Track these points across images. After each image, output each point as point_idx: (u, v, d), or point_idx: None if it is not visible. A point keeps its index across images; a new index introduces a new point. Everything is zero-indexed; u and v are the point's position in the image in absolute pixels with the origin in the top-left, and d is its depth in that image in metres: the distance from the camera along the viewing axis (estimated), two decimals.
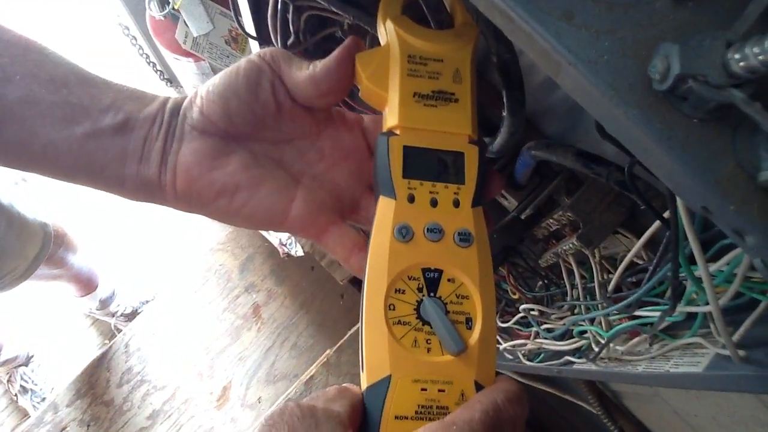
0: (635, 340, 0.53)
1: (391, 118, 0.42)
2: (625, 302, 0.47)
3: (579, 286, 0.62)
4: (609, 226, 0.52)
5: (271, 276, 1.47)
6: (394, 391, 0.36)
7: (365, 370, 0.37)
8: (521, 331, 0.80)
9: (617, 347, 0.56)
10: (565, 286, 0.65)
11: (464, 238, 0.40)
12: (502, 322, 0.87)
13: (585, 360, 0.62)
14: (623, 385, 1.01)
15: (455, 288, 0.39)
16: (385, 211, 0.40)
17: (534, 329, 0.74)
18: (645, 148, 0.27)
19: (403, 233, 0.39)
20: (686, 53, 0.24)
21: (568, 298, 0.63)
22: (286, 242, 1.20)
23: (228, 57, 1.20)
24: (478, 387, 0.36)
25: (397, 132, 0.41)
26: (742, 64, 0.23)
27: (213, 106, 0.42)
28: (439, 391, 0.36)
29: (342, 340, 1.22)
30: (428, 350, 0.37)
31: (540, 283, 0.73)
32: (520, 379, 1.16)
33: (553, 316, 0.68)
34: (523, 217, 0.59)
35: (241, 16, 0.59)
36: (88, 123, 0.41)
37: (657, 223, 0.46)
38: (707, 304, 0.40)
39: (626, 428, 1.06)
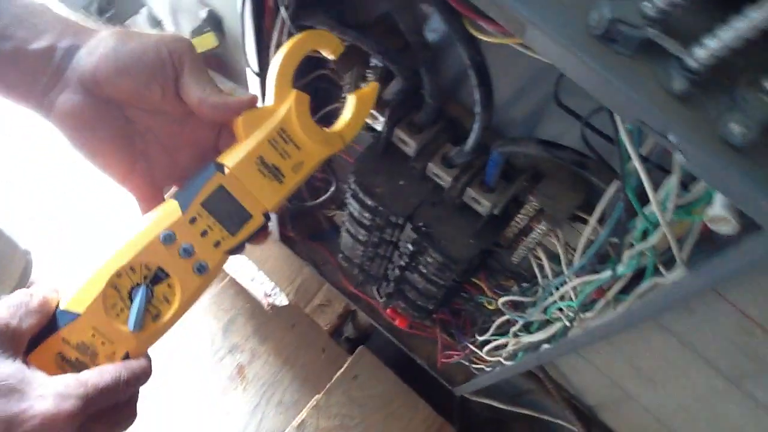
0: (601, 303, 0.62)
1: (230, 159, 0.51)
2: (587, 256, 0.57)
3: (549, 274, 0.71)
4: (570, 207, 0.62)
5: (254, 335, 1.52)
6: (76, 323, 0.47)
7: (73, 297, 0.48)
8: (498, 339, 0.88)
9: (587, 314, 0.65)
10: (537, 279, 0.74)
11: (201, 268, 0.51)
12: (480, 334, 0.95)
13: (563, 339, 0.71)
14: (597, 397, 1.08)
15: (166, 292, 0.51)
16: (170, 214, 0.50)
17: (513, 329, 0.83)
18: (593, 83, 0.37)
19: (167, 239, 0.50)
20: (613, 5, 0.35)
21: (540, 281, 0.72)
22: (271, 292, 1.27)
23: None
24: (126, 357, 0.49)
25: (225, 172, 0.51)
26: (652, 8, 0.34)
27: (108, 75, 0.47)
28: (102, 343, 0.48)
29: (330, 384, 1.26)
30: (117, 315, 0.49)
31: (514, 286, 0.83)
32: (502, 406, 1.22)
33: (528, 309, 0.77)
34: (496, 212, 0.69)
35: (246, 53, 0.69)
36: None
37: (608, 197, 0.57)
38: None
39: None
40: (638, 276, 0.58)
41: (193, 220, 0.50)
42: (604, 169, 0.56)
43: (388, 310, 1.12)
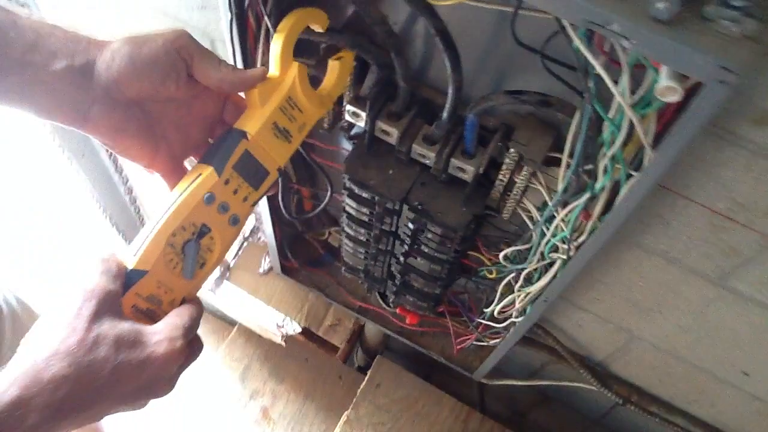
0: (590, 224, 0.71)
1: (252, 126, 0.61)
2: (566, 179, 0.66)
3: (539, 219, 0.79)
4: (543, 146, 0.71)
5: (271, 377, 1.56)
6: (145, 279, 0.57)
7: (138, 258, 0.57)
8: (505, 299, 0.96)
9: (581, 239, 0.73)
10: (529, 228, 0.82)
11: (235, 220, 0.63)
12: (488, 308, 1.02)
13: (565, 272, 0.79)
14: (605, 349, 1.15)
15: (210, 243, 0.62)
16: (208, 179, 0.59)
17: (517, 285, 0.90)
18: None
19: (208, 200, 0.60)
20: None
21: (532, 229, 0.80)
22: (283, 323, 1.33)
23: None
24: (182, 302, 0.60)
25: (249, 138, 0.61)
26: None
27: (130, 82, 0.55)
28: (164, 292, 0.59)
29: (355, 398, 1.31)
30: (174, 268, 0.59)
31: (509, 249, 0.90)
32: (521, 383, 1.28)
33: (527, 257, 0.85)
34: (481, 170, 0.77)
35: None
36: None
37: (574, 128, 0.66)
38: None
39: (621, 391, 1.19)
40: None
41: (227, 182, 0.61)
42: (565, 104, 0.66)
43: (397, 309, 1.18)
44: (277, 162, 0.64)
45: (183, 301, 0.61)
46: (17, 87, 0.52)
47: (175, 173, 0.62)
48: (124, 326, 0.52)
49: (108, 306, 0.52)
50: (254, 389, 1.55)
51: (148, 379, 0.52)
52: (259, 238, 1.38)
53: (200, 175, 0.60)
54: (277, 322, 1.33)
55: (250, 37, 0.71)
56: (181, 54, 0.57)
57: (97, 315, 0.51)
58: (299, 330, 1.33)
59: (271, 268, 1.34)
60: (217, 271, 1.37)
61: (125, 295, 0.56)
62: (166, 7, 0.96)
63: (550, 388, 1.43)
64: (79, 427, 0.50)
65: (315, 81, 0.69)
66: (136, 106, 0.58)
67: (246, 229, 1.37)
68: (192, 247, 0.60)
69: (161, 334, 0.53)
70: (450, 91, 0.69)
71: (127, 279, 0.56)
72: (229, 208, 0.62)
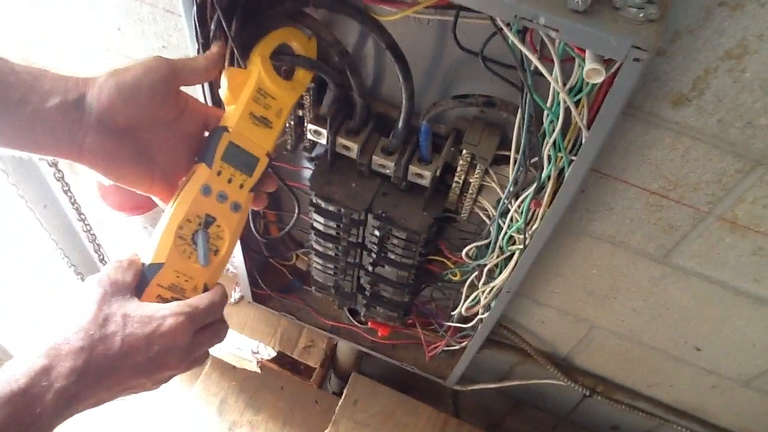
0: (541, 210, 0.77)
1: (230, 120, 0.69)
2: (516, 169, 0.73)
3: (494, 214, 0.86)
4: (492, 145, 0.78)
5: (248, 408, 1.57)
6: (163, 271, 0.64)
7: (153, 253, 0.65)
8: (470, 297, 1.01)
9: (534, 226, 0.79)
10: (486, 224, 0.89)
11: (236, 207, 0.69)
12: (454, 310, 1.07)
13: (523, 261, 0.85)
14: (568, 342, 1.22)
15: (218, 231, 0.69)
16: (201, 173, 0.66)
17: (481, 282, 0.96)
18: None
19: (205, 190, 0.67)
20: None
21: (489, 224, 0.86)
22: (257, 349, 1.35)
23: None
24: (205, 288, 0.67)
25: (230, 130, 0.68)
26: None
27: (120, 108, 0.60)
28: (185, 280, 0.66)
29: (334, 416, 1.34)
30: (189, 257, 0.66)
31: (470, 245, 0.96)
32: (491, 386, 1.33)
33: (487, 251, 0.91)
34: (437, 174, 0.83)
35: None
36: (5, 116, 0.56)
37: (517, 124, 0.72)
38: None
39: (586, 383, 1.25)
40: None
41: (219, 173, 0.67)
42: (508, 103, 0.73)
43: (369, 323, 1.22)
44: (264, 147, 0.71)
45: (206, 288, 0.67)
46: (17, 127, 0.57)
47: (171, 194, 0.67)
48: (131, 306, 0.60)
49: (117, 291, 0.60)
50: (232, 421, 1.55)
51: (158, 351, 0.58)
52: (228, 270, 1.41)
53: (194, 172, 0.67)
54: (251, 349, 1.35)
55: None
56: (160, 73, 0.62)
57: (105, 298, 0.59)
58: (274, 354, 1.35)
59: (242, 297, 1.37)
60: None
61: (148, 286, 0.63)
62: (131, 53, 1.01)
63: (520, 392, 1.48)
64: (108, 396, 0.58)
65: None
66: (127, 134, 0.62)
67: None
68: (201, 236, 0.66)
69: (167, 310, 0.60)
70: (403, 100, 0.75)
71: (147, 273, 0.64)
72: (228, 196, 0.68)
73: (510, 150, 0.76)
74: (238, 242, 1.12)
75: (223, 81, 0.69)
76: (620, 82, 0.54)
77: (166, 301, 0.64)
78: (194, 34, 0.71)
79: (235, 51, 0.69)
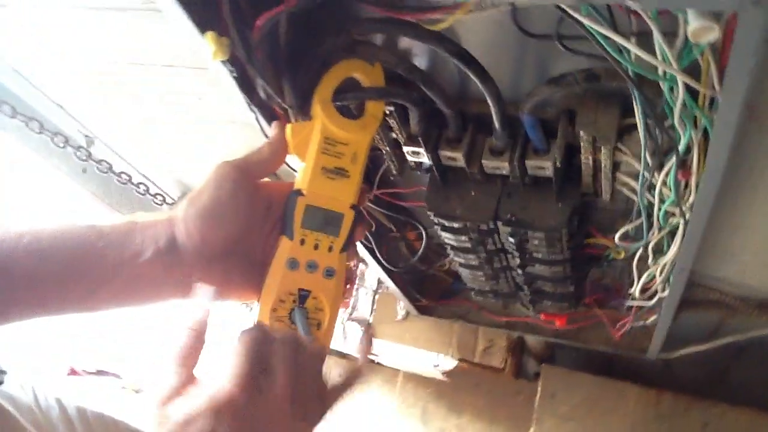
0: (693, 179, 0.63)
1: (302, 182, 0.63)
2: (649, 144, 0.59)
3: (639, 190, 0.72)
4: (612, 120, 0.65)
5: (450, 413, 1.54)
6: None
7: None
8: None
9: (690, 198, 0.65)
10: (634, 202, 0.75)
11: (329, 273, 0.64)
12: (630, 288, 0.94)
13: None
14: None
15: (316, 303, 0.63)
16: (284, 247, 0.62)
17: (649, 261, 0.83)
18: None
19: (291, 265, 0.61)
20: None
21: (637, 201, 0.73)
22: (437, 361, 1.31)
23: None
24: None
25: (304, 193, 0.62)
26: None
27: (210, 233, 0.58)
28: None
29: (534, 415, 1.26)
30: None
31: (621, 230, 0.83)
32: (704, 347, 1.16)
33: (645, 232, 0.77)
34: (559, 165, 0.71)
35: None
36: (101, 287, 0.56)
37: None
38: None
39: None
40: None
41: (302, 242, 0.62)
42: (613, 71, 0.59)
43: (542, 317, 1.12)
44: (346, 201, 0.64)
45: None
46: (119, 289, 0.57)
47: None
48: None
49: None
50: (439, 428, 1.54)
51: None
52: (387, 288, 1.38)
53: (277, 247, 0.62)
54: (432, 363, 1.31)
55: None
56: (230, 180, 0.59)
57: None
58: (455, 364, 1.30)
59: (407, 313, 1.33)
60: (359, 331, 1.39)
61: None
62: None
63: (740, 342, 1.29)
64: None
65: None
66: (230, 254, 0.60)
67: (371, 283, 1.38)
68: (298, 314, 0.62)
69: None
70: (490, 102, 0.65)
71: None
72: (318, 264, 0.63)
73: (635, 117, 0.62)
74: (378, 267, 1.07)
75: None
76: (743, 33, 0.39)
77: None
78: (249, 107, 0.66)
79: (291, 113, 0.63)
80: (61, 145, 1.02)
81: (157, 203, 1.25)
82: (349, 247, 0.65)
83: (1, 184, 1.20)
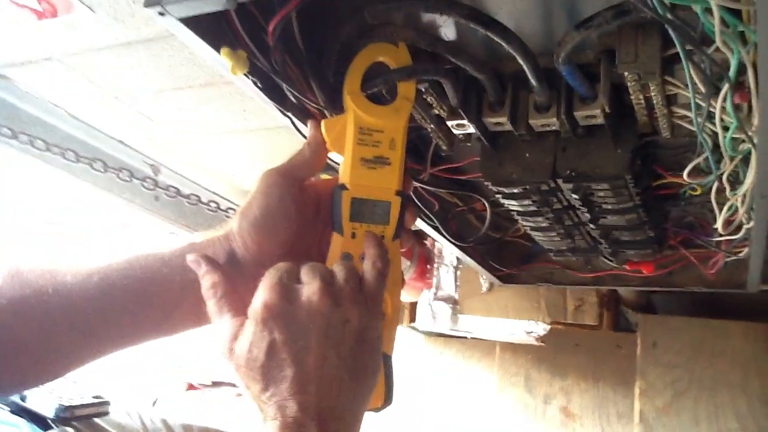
0: (755, 100, 0.58)
1: (344, 176, 0.62)
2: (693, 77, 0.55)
3: (701, 122, 0.68)
4: (654, 52, 0.61)
5: (553, 377, 1.51)
6: None
7: None
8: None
9: (754, 120, 0.61)
10: (695, 133, 0.70)
11: None
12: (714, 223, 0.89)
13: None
14: None
15: None
16: (336, 243, 0.62)
17: (728, 193, 0.78)
18: None
19: (346, 259, 0.60)
20: None
21: (698, 133, 0.68)
22: (530, 328, 1.29)
23: None
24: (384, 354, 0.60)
25: (348, 187, 0.61)
26: None
27: (269, 242, 0.59)
28: None
29: (638, 365, 1.22)
30: None
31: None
32: None
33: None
34: (607, 109, 0.68)
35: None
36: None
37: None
38: None
39: None
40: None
41: (353, 235, 0.62)
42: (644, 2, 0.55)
43: (627, 267, 1.08)
44: (390, 188, 0.63)
45: (384, 354, 0.60)
46: (188, 311, 0.59)
47: None
48: None
49: None
50: (545, 394, 1.51)
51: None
52: (463, 264, 1.37)
53: (330, 243, 0.63)
54: (524, 330, 1.29)
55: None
56: (276, 187, 0.60)
57: None
58: (548, 328, 1.27)
59: (491, 284, 1.31)
60: (447, 309, 1.38)
61: None
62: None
63: None
64: None
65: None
66: (286, 258, 0.60)
67: (451, 260, 1.37)
68: None
69: None
70: (520, 59, 0.62)
71: None
72: None
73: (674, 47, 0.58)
74: (450, 245, 1.06)
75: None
76: None
77: None
78: (282, 112, 0.66)
79: (325, 109, 0.63)
80: (127, 179, 1.07)
81: (228, 218, 1.29)
82: (401, 233, 0.64)
83: (84, 226, 1.27)
